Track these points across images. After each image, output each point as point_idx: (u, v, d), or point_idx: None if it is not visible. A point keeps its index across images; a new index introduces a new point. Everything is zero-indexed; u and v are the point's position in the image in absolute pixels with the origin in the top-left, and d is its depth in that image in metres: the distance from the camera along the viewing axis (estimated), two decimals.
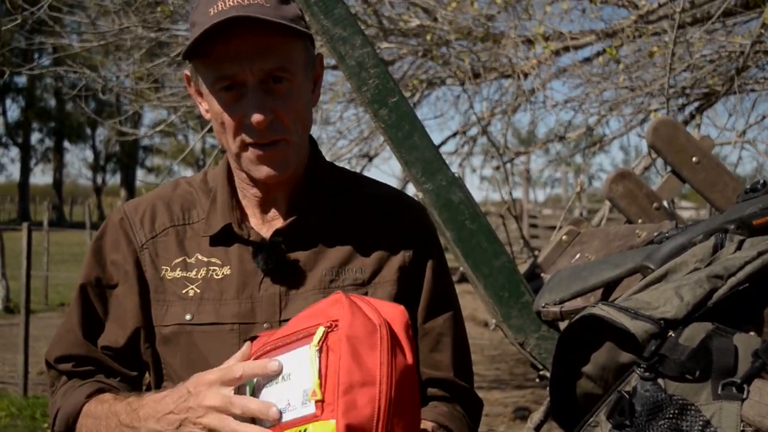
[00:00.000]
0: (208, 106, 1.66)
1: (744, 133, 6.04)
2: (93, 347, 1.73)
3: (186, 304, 1.66)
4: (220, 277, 1.67)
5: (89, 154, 56.52)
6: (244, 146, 1.62)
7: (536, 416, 3.14)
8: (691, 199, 25.90)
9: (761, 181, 1.74)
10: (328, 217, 1.73)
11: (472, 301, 13.34)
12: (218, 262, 1.69)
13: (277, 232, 1.68)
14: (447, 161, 2.32)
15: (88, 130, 53.26)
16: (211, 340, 1.64)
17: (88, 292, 1.74)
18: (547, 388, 1.74)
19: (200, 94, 1.69)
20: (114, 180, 60.89)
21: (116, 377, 1.74)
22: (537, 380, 2.52)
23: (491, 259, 2.26)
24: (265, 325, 1.64)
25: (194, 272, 1.68)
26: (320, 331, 1.35)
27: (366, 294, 1.67)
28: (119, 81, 7.06)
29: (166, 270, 1.70)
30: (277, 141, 1.62)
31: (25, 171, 50.34)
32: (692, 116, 6.31)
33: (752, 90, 6.28)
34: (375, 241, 1.74)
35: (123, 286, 1.72)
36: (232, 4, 1.55)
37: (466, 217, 2.26)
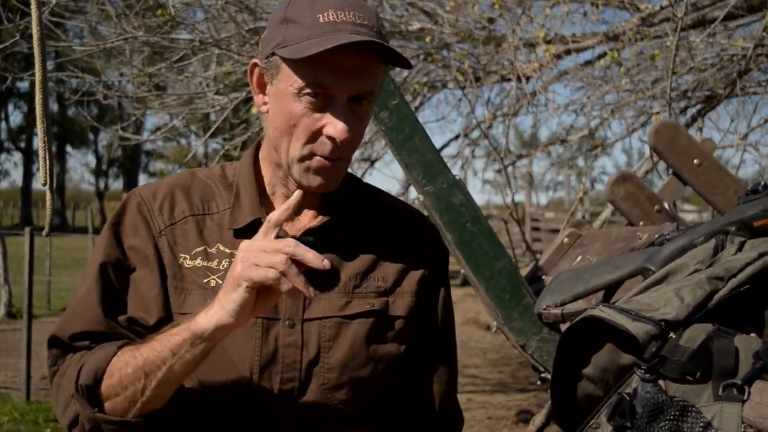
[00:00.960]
0: (274, 103, 1.65)
1: (746, 136, 6.04)
2: (115, 324, 1.66)
3: (207, 293, 1.63)
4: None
5: (92, 159, 56.58)
6: (311, 154, 1.61)
7: (538, 419, 3.14)
8: (694, 202, 25.89)
9: (762, 183, 1.75)
10: (354, 224, 1.74)
11: (474, 304, 13.35)
12: None
13: (308, 232, 1.68)
14: (449, 164, 2.32)
15: (91, 135, 53.38)
16: (233, 332, 1.60)
17: (109, 271, 1.68)
18: (549, 391, 1.74)
19: (262, 86, 1.68)
20: (117, 185, 61.00)
21: None
22: (539, 383, 2.52)
23: (492, 262, 2.27)
24: (287, 321, 1.63)
25: (216, 262, 1.66)
26: None
27: (387, 303, 1.70)
28: (121, 86, 7.07)
29: (185, 258, 1.67)
30: (340, 158, 1.63)
31: (28, 176, 50.42)
32: (694, 119, 6.31)
33: (754, 93, 6.29)
34: (396, 252, 1.76)
35: (142, 270, 1.68)
36: (345, 18, 1.55)
37: (467, 220, 2.26)
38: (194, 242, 1.69)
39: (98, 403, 1.56)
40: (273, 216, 1.50)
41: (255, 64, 1.68)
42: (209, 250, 1.68)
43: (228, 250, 1.68)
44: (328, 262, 1.44)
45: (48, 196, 1.95)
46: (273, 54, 1.60)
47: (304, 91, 1.57)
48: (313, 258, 1.43)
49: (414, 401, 1.81)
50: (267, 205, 1.73)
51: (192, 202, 1.73)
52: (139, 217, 1.71)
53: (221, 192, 1.75)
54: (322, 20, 1.56)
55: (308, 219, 1.73)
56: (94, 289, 1.67)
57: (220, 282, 1.61)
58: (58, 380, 1.63)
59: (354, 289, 1.69)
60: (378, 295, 1.70)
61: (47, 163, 1.94)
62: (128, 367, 1.52)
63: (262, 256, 1.43)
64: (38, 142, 1.95)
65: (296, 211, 1.69)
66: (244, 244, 1.48)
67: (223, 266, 1.66)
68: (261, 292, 1.46)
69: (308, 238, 1.66)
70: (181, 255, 1.68)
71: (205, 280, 1.66)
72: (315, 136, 1.60)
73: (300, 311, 1.65)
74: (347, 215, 1.73)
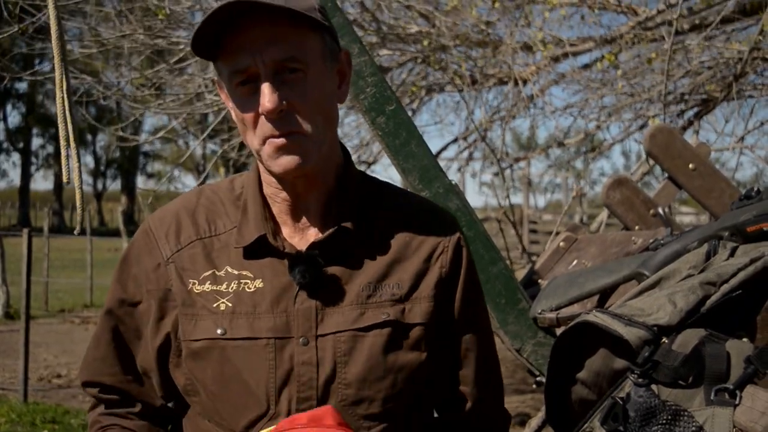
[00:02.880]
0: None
1: (743, 138, 6.06)
2: (121, 375, 1.74)
3: (217, 318, 1.60)
4: (252, 290, 1.61)
5: (90, 160, 56.54)
6: (263, 141, 1.56)
7: (534, 422, 3.15)
8: (691, 205, 25.88)
9: (755, 189, 1.76)
10: (364, 229, 1.66)
11: None
12: (250, 275, 1.62)
13: (313, 245, 1.62)
14: (447, 167, 2.33)
15: (89, 136, 53.32)
16: (246, 354, 1.58)
17: (114, 315, 1.72)
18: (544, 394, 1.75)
19: (228, 97, 1.65)
20: (115, 186, 60.99)
21: (142, 405, 1.76)
22: (534, 386, 2.54)
23: (488, 266, 2.28)
24: (300, 339, 1.58)
25: (224, 285, 1.62)
26: None
27: (403, 311, 1.63)
28: (119, 87, 7.07)
29: (194, 283, 1.64)
30: (292, 133, 1.55)
31: (26, 176, 50.42)
32: (691, 122, 6.33)
33: (750, 96, 6.30)
34: (411, 255, 1.68)
35: (145, 303, 1.68)
36: None
37: (462, 224, 2.27)
38: (202, 266, 1.65)
39: None
40: None
41: (214, 80, 1.69)
42: (217, 273, 1.64)
43: (236, 272, 1.63)
44: None
45: (78, 195, 1.97)
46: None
47: (232, 82, 1.55)
48: None
49: (452, 407, 1.75)
50: (273, 219, 1.68)
51: (198, 225, 1.69)
52: (144, 248, 1.71)
53: (228, 209, 1.71)
54: (218, 1, 1.51)
55: (314, 226, 1.66)
56: (102, 339, 1.76)
57: (230, 305, 1.60)
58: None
59: (367, 299, 1.62)
60: (393, 304, 1.62)
61: (69, 161, 1.95)
62: None
63: None
64: (61, 141, 1.95)
65: (296, 217, 1.67)
66: None
67: (231, 288, 1.62)
68: None
69: (314, 252, 1.60)
70: (190, 281, 1.64)
71: (215, 305, 1.62)
72: (257, 120, 1.56)
73: (313, 327, 1.59)
74: (355, 222, 1.65)
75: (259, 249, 1.63)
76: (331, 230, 1.62)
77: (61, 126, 1.93)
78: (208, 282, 1.63)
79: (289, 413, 1.56)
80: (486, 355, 1.75)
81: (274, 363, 1.57)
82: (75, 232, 2.03)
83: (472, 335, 1.73)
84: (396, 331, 1.61)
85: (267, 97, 1.51)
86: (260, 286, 1.61)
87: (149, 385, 1.73)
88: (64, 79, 1.95)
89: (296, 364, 1.57)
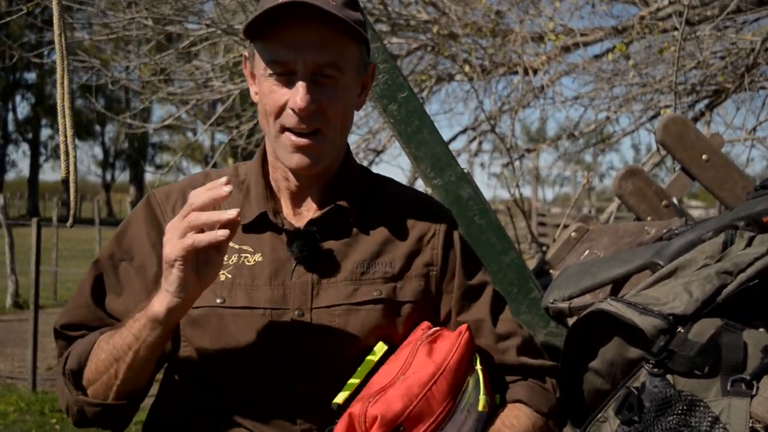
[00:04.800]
0: (257, 88, 1.70)
1: (754, 130, 6.02)
2: (104, 315, 1.74)
3: (216, 287, 1.66)
4: (251, 263, 1.70)
5: (98, 151, 56.67)
6: (282, 130, 1.65)
7: None
8: (701, 198, 25.82)
9: None
10: (360, 212, 1.76)
11: None
12: (250, 249, 1.71)
13: (311, 222, 1.71)
14: (456, 157, 2.32)
15: (98, 127, 53.40)
16: (243, 322, 1.66)
17: (104, 267, 1.76)
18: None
19: (253, 76, 1.73)
20: (123, 177, 61.10)
21: None
22: None
23: (500, 255, 2.26)
24: (296, 311, 1.66)
25: (225, 258, 1.66)
26: None
27: (395, 288, 1.72)
28: (128, 74, 7.06)
29: None
30: (314, 131, 1.65)
31: (35, 167, 50.51)
32: (702, 113, 6.29)
33: (762, 87, 6.26)
34: (403, 237, 1.78)
35: (138, 261, 1.75)
36: None
37: (475, 213, 2.26)
38: None
39: (82, 387, 1.65)
40: (192, 199, 1.50)
41: (245, 56, 1.75)
42: None
43: (237, 246, 1.70)
44: (235, 211, 1.46)
45: (72, 189, 1.98)
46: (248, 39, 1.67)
47: (268, 70, 1.62)
48: (216, 216, 1.46)
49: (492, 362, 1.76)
50: (275, 200, 1.76)
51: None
52: (149, 216, 1.77)
53: (233, 192, 1.72)
54: None
55: (313, 210, 1.75)
56: (87, 283, 1.75)
57: (229, 276, 1.68)
58: (59, 369, 1.70)
59: (361, 275, 1.71)
60: (385, 281, 1.72)
61: (68, 156, 1.96)
62: (102, 352, 1.61)
63: (176, 231, 1.47)
64: (59, 137, 1.97)
65: (297, 203, 1.76)
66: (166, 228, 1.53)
67: (232, 261, 1.70)
68: (201, 263, 1.49)
69: (312, 228, 1.69)
70: None
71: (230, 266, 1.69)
72: (281, 110, 1.64)
73: (309, 301, 1.67)
74: (353, 203, 1.75)
75: (260, 225, 1.72)
76: (328, 207, 1.72)
77: (60, 122, 1.94)
78: None
79: (291, 378, 1.64)
80: (500, 319, 1.80)
81: (269, 331, 1.65)
82: (68, 224, 2.04)
83: (479, 308, 1.79)
84: (387, 308, 1.71)
85: (301, 95, 1.60)
86: (259, 260, 1.70)
87: None
88: (65, 75, 1.96)
89: (295, 334, 1.66)
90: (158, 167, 55.64)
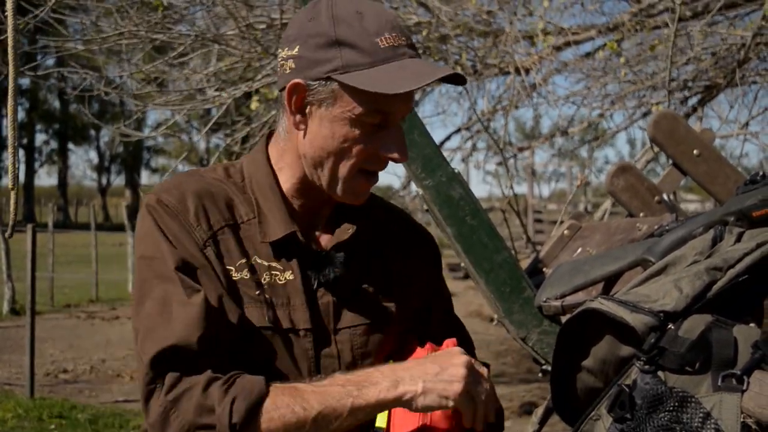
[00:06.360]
0: (321, 125, 1.62)
1: (747, 125, 6.03)
2: (211, 339, 1.54)
3: (261, 307, 1.62)
4: (282, 282, 1.66)
5: (94, 156, 56.66)
6: (358, 172, 1.64)
7: (540, 410, 3.13)
8: (696, 192, 25.84)
9: (761, 173, 1.74)
10: (370, 232, 1.78)
11: (476, 296, 13.35)
12: (279, 267, 1.67)
13: (338, 246, 1.71)
14: (450, 157, 2.32)
15: (93, 132, 53.41)
16: (288, 345, 1.63)
17: (187, 273, 1.58)
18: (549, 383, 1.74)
19: (300, 106, 1.64)
20: (119, 181, 61.07)
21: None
22: (540, 375, 2.53)
23: (492, 255, 2.27)
24: (326, 331, 1.68)
25: (259, 275, 1.65)
26: None
27: (404, 306, 1.79)
28: (122, 82, 7.06)
29: (231, 270, 1.64)
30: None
31: (30, 173, 50.51)
32: (694, 109, 6.30)
33: (754, 82, 6.27)
34: (404, 258, 1.83)
35: (204, 279, 1.60)
36: (400, 42, 1.59)
37: (466, 213, 2.26)
38: (236, 253, 1.65)
39: None
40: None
41: (296, 85, 1.62)
42: (250, 262, 1.66)
43: (266, 263, 1.66)
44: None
45: (12, 198, 1.94)
46: (328, 78, 1.58)
47: (364, 117, 1.59)
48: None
49: None
50: (295, 216, 1.71)
51: (221, 210, 1.67)
52: (181, 226, 1.63)
53: (239, 197, 1.71)
54: (381, 44, 1.57)
55: (321, 227, 1.76)
56: (175, 296, 1.55)
57: (268, 296, 1.64)
58: (170, 403, 1.47)
59: (377, 295, 1.75)
60: (397, 300, 1.77)
61: (15, 168, 1.93)
62: (293, 415, 1.48)
63: (481, 393, 1.54)
64: (9, 149, 1.93)
65: (308, 219, 1.74)
66: (480, 367, 1.57)
67: (265, 280, 1.65)
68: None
69: (339, 253, 1.70)
70: (228, 267, 1.64)
71: (257, 293, 1.64)
72: (370, 157, 1.63)
73: (332, 322, 1.69)
74: (362, 223, 1.76)
75: (286, 244, 1.68)
76: (351, 232, 1.73)
77: (11, 134, 1.91)
78: (246, 270, 1.65)
79: None
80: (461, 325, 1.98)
81: (312, 353, 1.65)
82: (6, 235, 2.00)
83: (452, 314, 1.97)
84: (400, 326, 1.77)
85: (400, 147, 1.63)
86: (290, 278, 1.67)
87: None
88: (14, 89, 1.94)
89: (322, 356, 1.66)
90: (154, 171, 55.69)
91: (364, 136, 1.60)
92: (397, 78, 1.54)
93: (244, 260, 1.65)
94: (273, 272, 1.66)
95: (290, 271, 1.67)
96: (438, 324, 1.87)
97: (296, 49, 1.61)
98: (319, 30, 1.59)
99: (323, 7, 1.61)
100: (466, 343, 1.85)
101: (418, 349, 1.73)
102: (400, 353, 1.74)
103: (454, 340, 1.70)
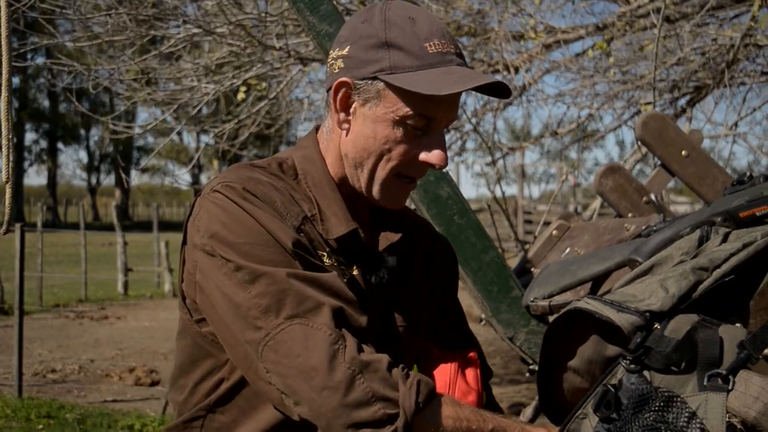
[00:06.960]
0: (364, 125, 1.64)
1: (735, 125, 6.05)
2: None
3: (357, 306, 1.58)
4: (348, 278, 1.66)
5: (83, 155, 56.54)
6: (397, 175, 1.65)
7: (528, 410, 3.14)
8: (686, 194, 25.92)
9: (748, 174, 1.75)
10: (406, 237, 1.82)
11: (465, 297, 13.37)
12: (345, 262, 1.68)
13: (389, 248, 1.76)
14: None
15: (82, 131, 53.25)
16: (372, 343, 1.55)
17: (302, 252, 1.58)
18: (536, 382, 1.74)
19: (345, 105, 1.66)
20: (108, 180, 60.91)
21: None
22: (527, 374, 2.53)
23: (480, 254, 2.27)
24: (394, 329, 1.75)
25: (337, 267, 1.65)
26: None
27: (436, 305, 1.90)
28: (112, 77, 7.03)
29: (324, 256, 1.64)
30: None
31: (19, 172, 50.21)
32: (683, 110, 6.32)
33: (742, 83, 6.29)
34: (429, 266, 1.88)
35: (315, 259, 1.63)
36: (448, 48, 1.60)
37: (454, 212, 2.26)
38: (318, 244, 1.65)
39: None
40: None
41: (343, 83, 1.64)
42: (326, 253, 1.65)
43: (334, 257, 1.66)
44: None
45: (8, 192, 1.93)
46: (375, 77, 1.60)
47: (408, 120, 1.60)
48: None
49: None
50: (351, 212, 1.71)
51: (293, 203, 1.66)
52: (274, 214, 1.60)
53: (297, 193, 1.70)
54: (430, 50, 1.59)
55: (386, 234, 1.79)
56: (309, 270, 1.56)
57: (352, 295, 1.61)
58: (358, 368, 1.47)
59: (410, 300, 1.79)
60: (422, 305, 1.83)
61: (9, 160, 1.92)
62: (465, 422, 1.52)
63: None
64: (3, 141, 1.92)
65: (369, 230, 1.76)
66: None
67: (340, 272, 1.65)
68: None
69: (393, 257, 1.76)
70: (320, 253, 1.64)
71: (345, 280, 1.63)
72: (410, 161, 1.63)
73: (378, 323, 1.70)
74: (397, 225, 1.81)
75: (345, 242, 1.68)
76: (399, 235, 1.78)
77: (4, 126, 1.90)
78: (327, 261, 1.65)
79: None
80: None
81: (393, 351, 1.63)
82: (1, 231, 2.00)
83: (463, 321, 2.04)
84: (425, 330, 1.85)
85: (442, 153, 1.64)
86: (355, 274, 1.69)
87: None
88: (8, 81, 1.93)
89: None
90: (144, 170, 55.51)
91: (405, 139, 1.61)
92: (441, 82, 1.55)
93: (322, 252, 1.65)
94: (341, 267, 1.66)
95: (354, 267, 1.69)
96: (453, 331, 1.95)
97: (347, 50, 1.64)
98: (371, 32, 1.61)
99: (377, 10, 1.64)
100: (479, 352, 1.95)
101: (442, 365, 1.81)
102: (425, 359, 1.83)
103: (474, 353, 1.84)
